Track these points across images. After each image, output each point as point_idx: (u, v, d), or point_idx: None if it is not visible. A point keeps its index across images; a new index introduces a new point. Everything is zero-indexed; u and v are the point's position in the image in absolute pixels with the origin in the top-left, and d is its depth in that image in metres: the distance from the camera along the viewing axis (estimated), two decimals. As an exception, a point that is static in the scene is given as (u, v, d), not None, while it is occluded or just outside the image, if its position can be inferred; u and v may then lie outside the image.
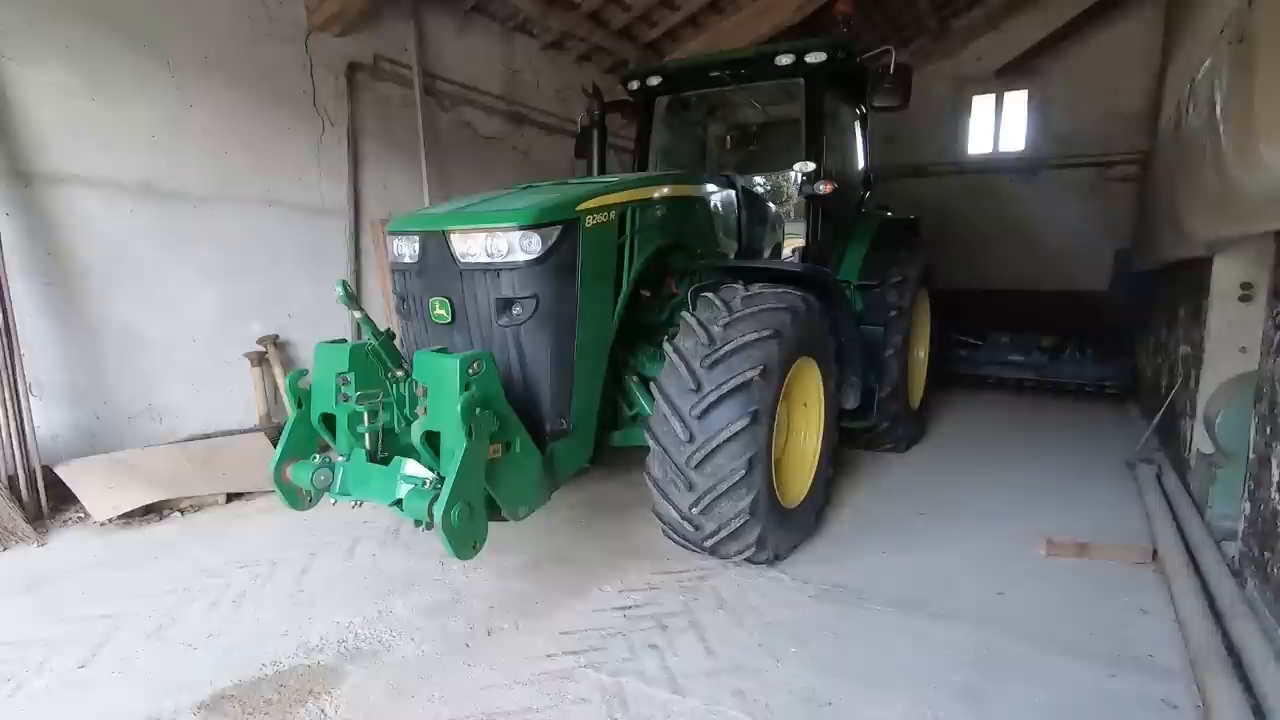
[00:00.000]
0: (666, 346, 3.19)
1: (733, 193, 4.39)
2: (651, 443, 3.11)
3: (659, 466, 3.11)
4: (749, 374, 2.99)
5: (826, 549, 3.66)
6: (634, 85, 5.11)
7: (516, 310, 2.98)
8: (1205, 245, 4.12)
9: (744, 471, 2.98)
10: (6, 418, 3.90)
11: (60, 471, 4.06)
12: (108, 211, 4.51)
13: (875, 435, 5.16)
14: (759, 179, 5.41)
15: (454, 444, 2.48)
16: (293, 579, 3.32)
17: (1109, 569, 3.40)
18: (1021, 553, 3.59)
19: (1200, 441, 4.14)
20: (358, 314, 2.86)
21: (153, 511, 4.10)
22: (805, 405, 3.80)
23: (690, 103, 5.50)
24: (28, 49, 4.13)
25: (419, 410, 2.68)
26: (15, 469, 3.92)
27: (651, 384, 3.20)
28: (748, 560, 3.27)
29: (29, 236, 4.19)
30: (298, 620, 2.93)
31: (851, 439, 5.02)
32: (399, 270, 3.29)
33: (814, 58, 4.44)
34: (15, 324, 3.95)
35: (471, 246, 2.98)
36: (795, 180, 4.54)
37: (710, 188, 4.20)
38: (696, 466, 2.99)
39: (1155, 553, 3.42)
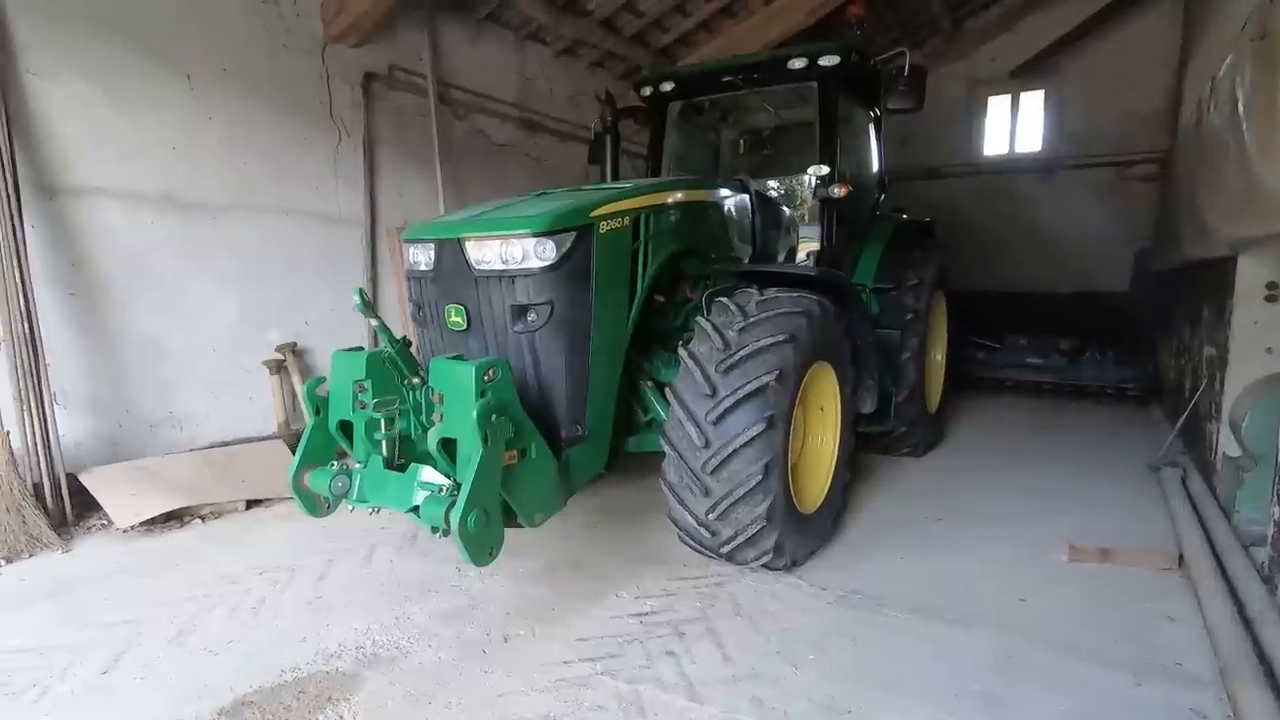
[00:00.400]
0: (681, 352, 3.18)
1: (746, 197, 4.38)
2: (667, 448, 3.10)
3: (675, 472, 3.10)
4: (765, 379, 2.98)
5: (844, 554, 3.63)
6: (647, 91, 5.12)
7: (532, 316, 2.98)
8: (1229, 244, 4.05)
9: (760, 477, 2.96)
10: (33, 426, 3.97)
11: (84, 479, 4.12)
12: (129, 222, 4.59)
13: (892, 440, 5.11)
14: (772, 183, 5.39)
15: (470, 450, 2.48)
16: (311, 585, 3.35)
17: (1133, 575, 3.34)
18: (1042, 558, 3.54)
19: (1226, 444, 4.06)
20: (374, 322, 2.88)
21: (174, 518, 4.15)
22: (821, 410, 3.77)
23: (703, 108, 5.50)
24: (51, 64, 4.21)
25: (435, 417, 2.69)
26: (41, 477, 3.99)
27: (667, 389, 3.20)
28: (765, 566, 3.25)
29: (53, 248, 4.26)
30: (316, 627, 2.95)
31: (868, 443, 4.98)
32: (415, 278, 3.31)
33: (827, 61, 4.43)
34: (40, 334, 4.02)
35: (486, 253, 3.00)
36: (809, 184, 4.52)
37: (724, 192, 4.20)
38: (713, 472, 2.98)
39: (1181, 558, 3.36)
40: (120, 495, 4.08)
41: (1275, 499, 3.05)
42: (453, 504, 2.41)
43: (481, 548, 2.48)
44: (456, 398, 2.58)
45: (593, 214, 3.09)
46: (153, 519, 4.01)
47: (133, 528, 3.95)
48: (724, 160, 5.93)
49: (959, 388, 6.84)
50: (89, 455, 4.36)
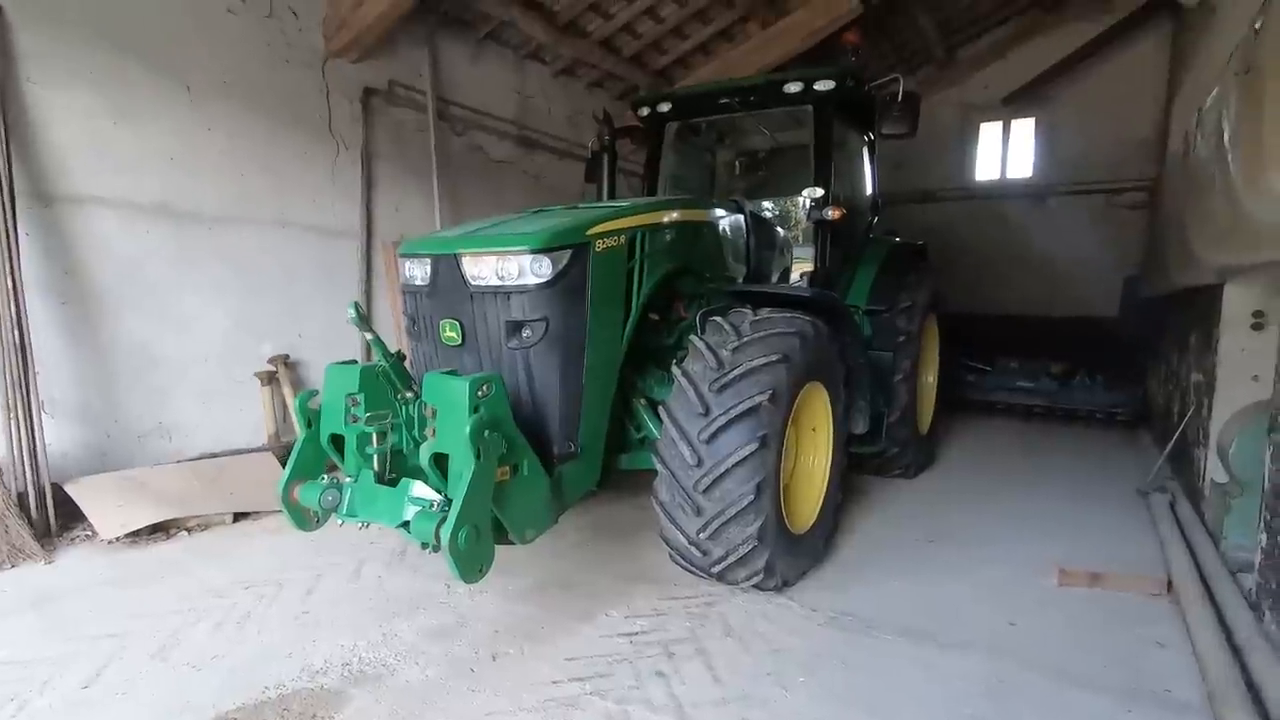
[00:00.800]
0: (675, 370, 3.19)
1: (741, 217, 4.41)
2: (659, 466, 3.10)
3: (667, 491, 3.09)
4: (758, 398, 2.99)
5: (835, 576, 3.62)
6: (644, 111, 5.18)
7: (526, 333, 2.99)
8: (1216, 272, 4.11)
9: (752, 497, 2.96)
10: (19, 435, 3.94)
11: (70, 489, 4.08)
12: (124, 232, 4.58)
13: (884, 461, 5.12)
14: (767, 204, 5.44)
15: (462, 466, 2.48)
16: (298, 600, 3.31)
17: (1123, 600, 3.35)
18: (1033, 582, 3.54)
19: (1214, 470, 4.09)
20: (369, 335, 2.88)
21: (160, 530, 4.11)
22: (814, 430, 3.78)
23: (700, 129, 5.56)
24: (51, 74, 4.23)
25: (428, 432, 2.69)
26: (26, 486, 3.95)
27: (660, 407, 3.20)
28: (755, 586, 3.24)
29: (47, 256, 4.25)
30: (302, 642, 2.91)
31: (860, 464, 4.99)
32: (410, 292, 3.32)
33: (823, 85, 4.49)
34: (30, 342, 4.00)
35: (482, 269, 3.01)
36: (804, 206, 4.57)
37: (719, 213, 4.23)
38: (705, 491, 2.97)
39: (1170, 584, 3.37)
40: (106, 506, 4.03)
41: (1262, 526, 3.06)
42: (443, 520, 2.40)
43: (471, 564, 2.47)
44: (449, 413, 2.57)
45: (589, 232, 3.11)
46: (138, 530, 3.97)
47: (118, 539, 3.90)
48: (719, 181, 5.99)
49: (950, 410, 6.87)
50: (76, 465, 4.32)
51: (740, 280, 4.39)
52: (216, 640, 2.94)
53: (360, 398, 2.80)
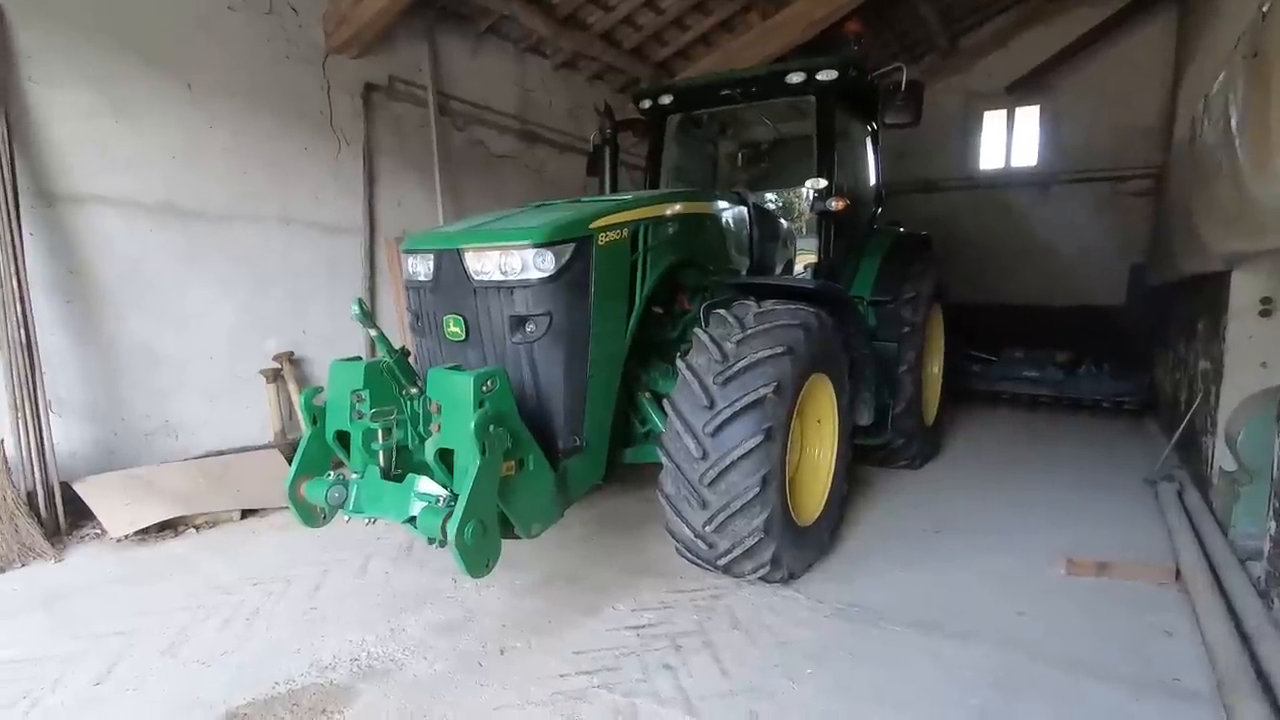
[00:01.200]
0: (679, 363, 3.18)
1: (744, 209, 4.40)
2: (664, 459, 3.10)
3: (672, 484, 3.09)
4: (762, 391, 2.98)
5: (841, 567, 3.62)
6: (646, 104, 5.15)
7: (530, 327, 2.99)
8: (1223, 259, 4.08)
9: (758, 489, 2.95)
10: (27, 434, 3.95)
11: (78, 488, 4.10)
12: (128, 230, 4.59)
13: (890, 452, 5.11)
14: (770, 195, 5.42)
15: (467, 461, 2.48)
16: (306, 596, 3.33)
17: (1131, 589, 3.34)
18: (1040, 571, 3.53)
19: (1222, 458, 4.07)
20: (373, 331, 2.88)
21: (168, 528, 4.13)
22: (819, 422, 3.78)
23: (701, 121, 5.54)
24: (53, 73, 4.22)
25: (433, 427, 2.69)
26: (35, 485, 3.97)
27: (664, 401, 3.20)
28: (762, 579, 3.24)
29: (51, 255, 4.26)
30: (310, 638, 2.93)
31: (866, 456, 4.98)
32: (413, 288, 3.31)
33: (825, 75, 4.47)
34: (37, 341, 4.01)
35: (486, 264, 3.00)
36: (807, 197, 4.55)
37: (722, 205, 4.21)
38: (710, 484, 2.97)
39: (1178, 572, 3.36)
40: (114, 504, 4.05)
41: (1271, 514, 3.05)
42: (450, 515, 2.40)
43: (478, 559, 2.47)
44: (454, 408, 2.57)
45: (592, 225, 3.10)
46: (146, 528, 3.99)
47: (126, 537, 3.92)
48: (722, 173, 5.96)
49: (956, 400, 6.84)
50: (84, 464, 4.34)
51: (744, 272, 4.37)
52: (225, 636, 2.95)
53: (365, 394, 2.80)
